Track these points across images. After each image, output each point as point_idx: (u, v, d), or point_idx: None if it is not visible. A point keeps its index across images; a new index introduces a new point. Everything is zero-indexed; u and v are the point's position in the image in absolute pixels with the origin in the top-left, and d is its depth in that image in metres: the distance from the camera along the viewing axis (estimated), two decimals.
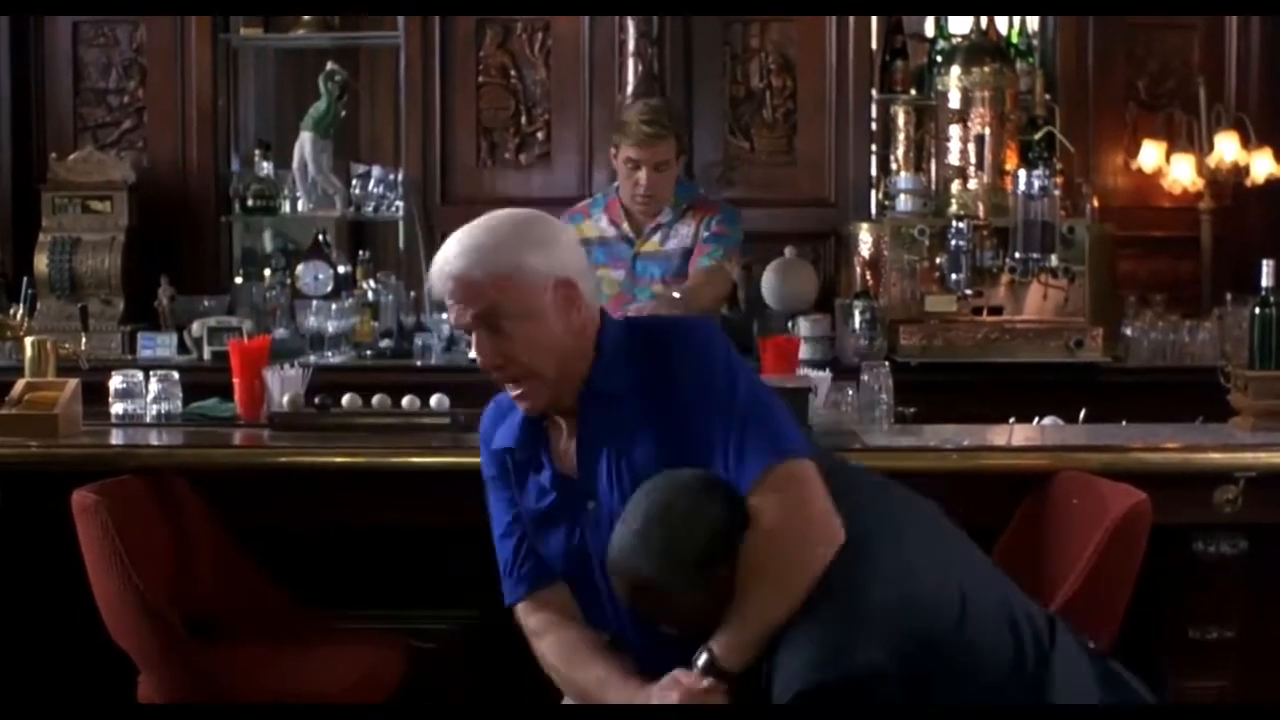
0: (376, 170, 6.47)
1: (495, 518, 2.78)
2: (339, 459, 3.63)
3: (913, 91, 6.27)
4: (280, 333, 5.80)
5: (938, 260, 5.68)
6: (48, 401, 3.77)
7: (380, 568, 3.71)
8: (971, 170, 5.78)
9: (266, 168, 6.45)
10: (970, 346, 5.58)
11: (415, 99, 6.36)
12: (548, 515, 2.68)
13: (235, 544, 3.47)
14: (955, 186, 5.81)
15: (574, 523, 2.64)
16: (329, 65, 6.32)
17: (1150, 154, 6.20)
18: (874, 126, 6.33)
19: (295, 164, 6.34)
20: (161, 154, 6.41)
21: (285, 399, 3.93)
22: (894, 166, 6.17)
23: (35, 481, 3.54)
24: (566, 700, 2.73)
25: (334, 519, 3.60)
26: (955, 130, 5.81)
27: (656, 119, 4.63)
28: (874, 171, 6.33)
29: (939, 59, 6.11)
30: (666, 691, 2.47)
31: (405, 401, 3.95)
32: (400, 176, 6.38)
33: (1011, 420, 4.01)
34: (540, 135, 6.35)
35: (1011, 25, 6.32)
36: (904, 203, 5.91)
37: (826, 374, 3.91)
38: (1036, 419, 4.08)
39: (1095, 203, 5.95)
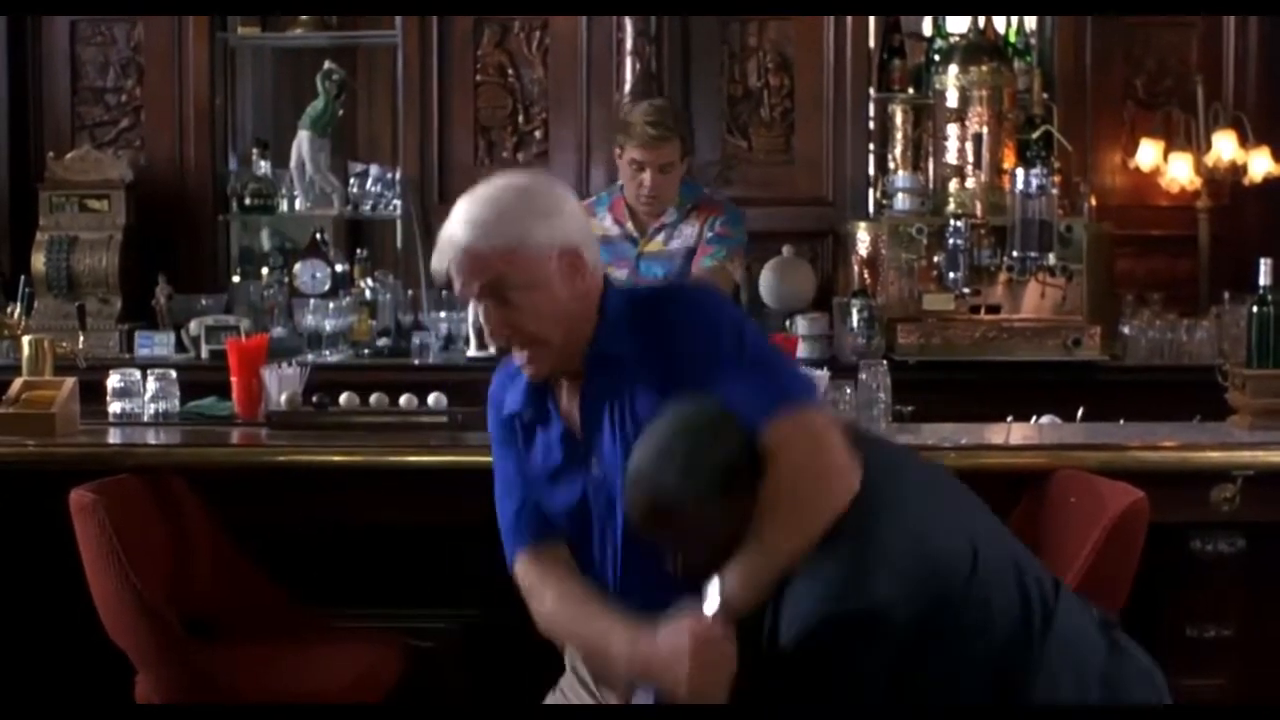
0: (374, 169, 6.47)
1: (499, 477, 2.76)
2: (337, 458, 3.63)
3: (910, 90, 6.27)
4: (278, 331, 5.80)
5: (935, 259, 5.68)
6: (45, 400, 3.77)
7: (378, 566, 3.71)
8: (969, 169, 5.78)
9: (264, 166, 6.45)
10: (968, 345, 5.58)
11: (413, 98, 6.36)
12: (553, 473, 2.67)
13: (233, 543, 3.47)
14: (953, 185, 5.81)
15: (577, 482, 2.64)
16: (326, 64, 6.32)
17: (1148, 153, 6.20)
18: (872, 125, 6.32)
19: (293, 163, 6.34)
20: (159, 153, 6.40)
21: (283, 398, 3.93)
22: (892, 165, 6.17)
23: (33, 480, 3.54)
24: (567, 652, 2.73)
25: (332, 518, 3.60)
26: (953, 129, 5.80)
27: (662, 120, 4.61)
28: (872, 170, 6.32)
29: (937, 58, 6.11)
30: (675, 636, 2.44)
31: (403, 400, 3.95)
32: (398, 175, 6.38)
33: (1009, 419, 4.02)
34: (538, 134, 6.35)
35: (1009, 24, 6.31)
36: (902, 201, 5.91)
37: (824, 373, 3.91)
38: (1034, 417, 4.08)
39: (1093, 201, 5.95)
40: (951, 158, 5.81)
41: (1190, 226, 6.19)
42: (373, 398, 3.95)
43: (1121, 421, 4.00)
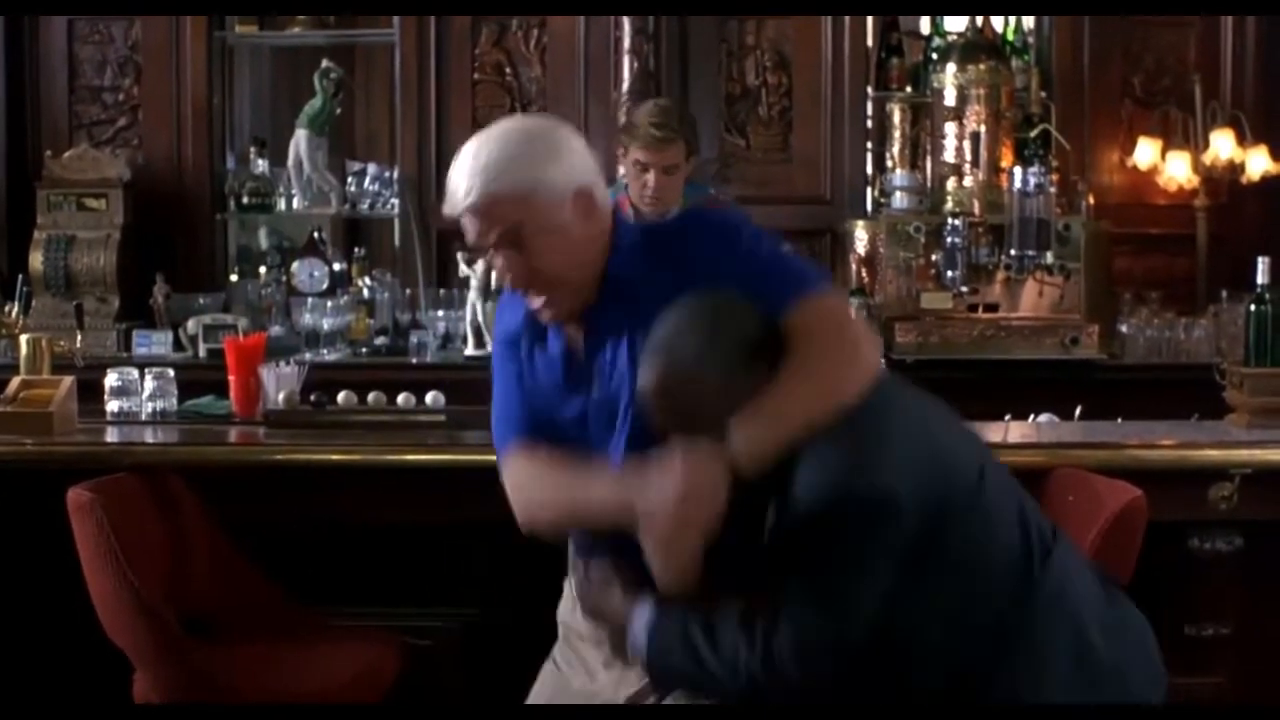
0: (372, 168, 6.47)
1: (497, 390, 2.71)
2: (334, 456, 3.63)
3: (908, 89, 6.27)
4: (275, 330, 5.80)
5: (933, 257, 5.68)
6: (43, 399, 3.77)
7: (376, 565, 3.71)
8: (967, 167, 5.78)
9: (262, 165, 6.45)
10: (966, 344, 5.59)
11: (410, 96, 6.36)
12: (553, 391, 2.63)
13: (231, 541, 3.47)
14: (951, 184, 5.81)
15: (577, 401, 2.60)
16: (324, 63, 6.32)
17: (1146, 151, 6.20)
18: (869, 124, 6.33)
19: (290, 161, 6.34)
20: (157, 151, 6.41)
21: (280, 396, 3.93)
22: (889, 164, 6.17)
23: (30, 479, 3.54)
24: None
25: (329, 516, 3.60)
26: (951, 127, 5.81)
27: (666, 122, 4.57)
28: (869, 169, 6.33)
29: (934, 56, 6.11)
30: (669, 461, 2.38)
31: (400, 399, 3.95)
32: (395, 174, 6.37)
33: (1007, 417, 4.01)
34: None
35: (1007, 23, 6.31)
36: (899, 200, 5.91)
37: None
38: (1032, 416, 4.08)
39: (1091, 200, 5.95)
40: (949, 156, 5.81)
41: (1188, 225, 6.19)
42: (370, 396, 3.95)
43: (1119, 420, 4.00)
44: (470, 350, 5.65)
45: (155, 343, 5.90)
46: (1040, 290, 5.64)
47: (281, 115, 6.85)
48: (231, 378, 4.05)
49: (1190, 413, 3.95)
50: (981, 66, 5.81)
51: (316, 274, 6.08)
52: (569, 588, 2.74)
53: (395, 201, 6.36)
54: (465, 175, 2.55)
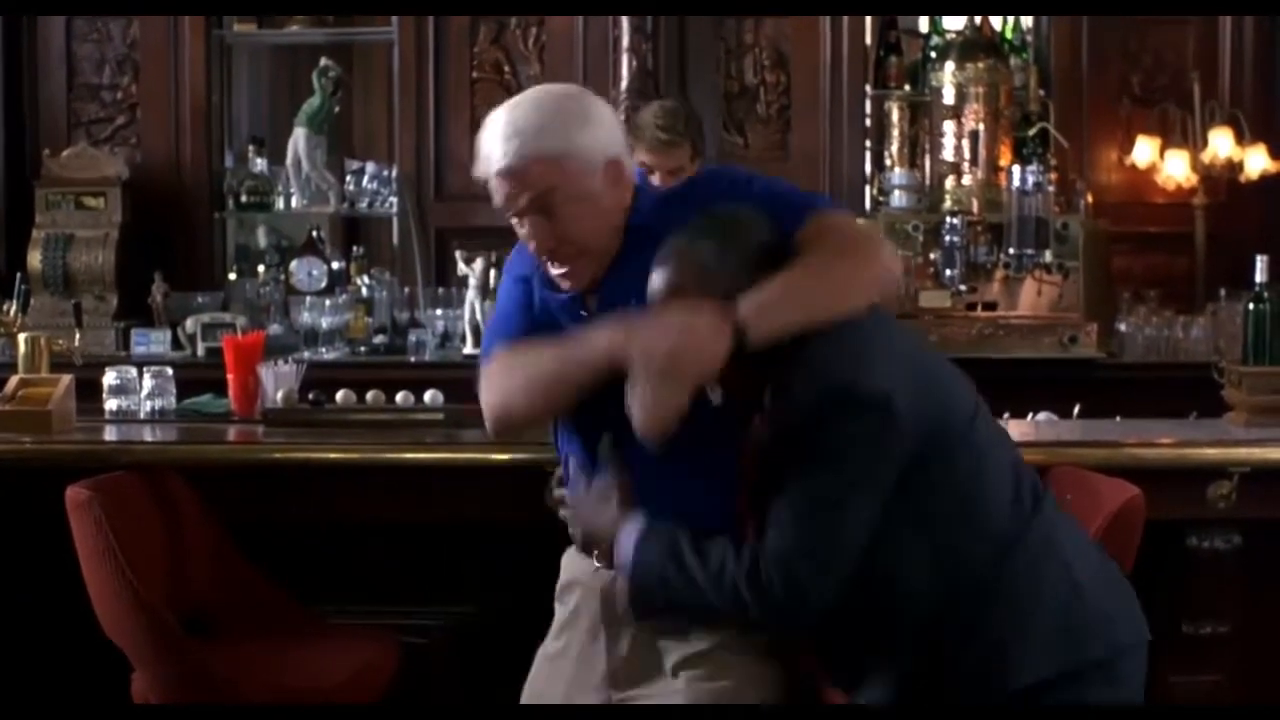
0: (370, 166, 6.46)
1: (499, 306, 2.71)
2: (333, 455, 3.63)
3: (907, 87, 6.27)
4: (274, 329, 5.80)
5: (932, 256, 5.68)
6: (41, 398, 3.77)
7: (374, 564, 3.71)
8: (966, 166, 5.79)
9: (260, 164, 6.45)
10: (964, 342, 5.58)
11: (409, 95, 6.36)
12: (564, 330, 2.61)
13: (229, 540, 3.47)
14: (949, 182, 5.81)
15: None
16: (323, 61, 6.32)
17: (1144, 150, 6.20)
18: (868, 122, 6.32)
19: (289, 160, 6.34)
20: (155, 150, 6.40)
21: (279, 395, 3.93)
22: (888, 162, 6.17)
23: (29, 478, 3.53)
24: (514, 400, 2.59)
25: (328, 515, 3.60)
26: (949, 126, 5.81)
27: (673, 125, 4.54)
28: (868, 167, 6.32)
29: (933, 55, 6.11)
30: (667, 316, 2.38)
31: (399, 398, 3.95)
32: (394, 172, 6.37)
33: (1006, 416, 4.00)
34: None
35: (1005, 21, 6.31)
36: (898, 199, 5.91)
37: None
38: (1031, 415, 4.08)
39: (1089, 199, 5.95)
40: (948, 155, 5.82)
41: (1186, 223, 6.19)
42: (369, 395, 3.95)
43: (1118, 419, 4.00)
44: (469, 349, 5.64)
45: (154, 341, 5.90)
46: (1039, 289, 5.64)
47: (280, 114, 6.85)
48: (230, 376, 4.04)
49: (1189, 411, 3.95)
50: (980, 65, 5.81)
51: (315, 273, 6.08)
52: (565, 557, 2.75)
53: (394, 200, 6.36)
54: (500, 138, 2.54)
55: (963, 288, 5.63)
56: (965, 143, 5.77)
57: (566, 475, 2.66)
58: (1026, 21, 6.40)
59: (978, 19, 6.05)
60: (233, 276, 6.50)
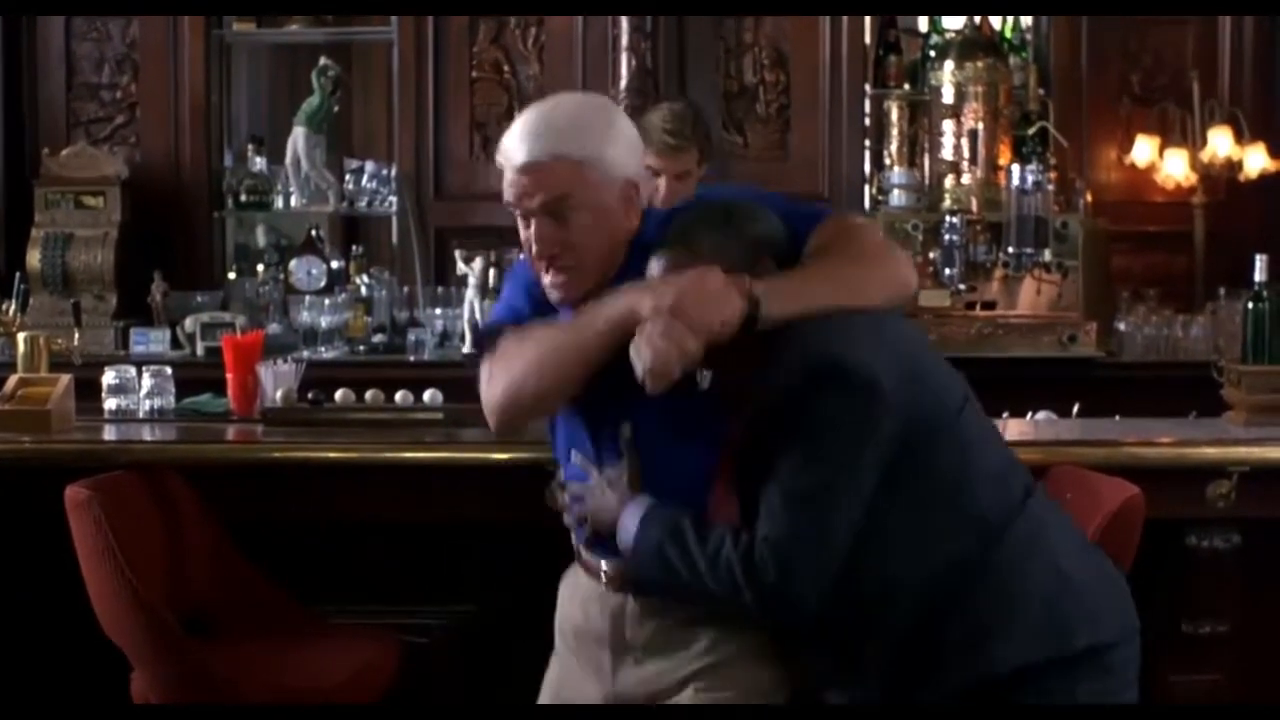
0: (370, 165, 6.46)
1: (503, 296, 2.71)
2: (332, 454, 3.63)
3: (906, 86, 6.27)
4: (273, 328, 5.80)
5: (931, 255, 5.68)
6: (40, 397, 3.77)
7: (374, 563, 3.70)
8: (965, 165, 5.79)
9: (259, 163, 6.45)
10: (964, 341, 5.58)
11: (408, 94, 6.36)
12: None
13: (229, 539, 3.47)
14: (949, 181, 5.81)
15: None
16: (322, 60, 6.32)
17: (1143, 149, 6.20)
18: (867, 121, 6.32)
19: (288, 159, 6.34)
20: (154, 149, 6.40)
21: (278, 394, 3.93)
22: (887, 161, 6.17)
23: (28, 477, 3.53)
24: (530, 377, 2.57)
25: (327, 514, 3.59)
26: (949, 125, 5.81)
27: (680, 130, 4.50)
28: (867, 166, 6.32)
29: (932, 54, 6.11)
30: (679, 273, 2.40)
31: (398, 397, 3.95)
32: (393, 171, 6.37)
33: (1005, 415, 4.01)
34: None
35: (1005, 20, 6.31)
36: (897, 198, 5.91)
37: None
38: (1030, 414, 4.08)
39: (1089, 198, 5.95)
40: (947, 154, 5.82)
41: (1186, 222, 6.19)
42: (368, 394, 3.95)
43: (1117, 418, 4.00)
44: (468, 348, 5.64)
45: (153, 341, 5.89)
46: (1038, 288, 5.64)
47: (279, 113, 6.84)
48: (229, 376, 4.04)
49: (1188, 410, 3.95)
50: (979, 64, 5.81)
51: (314, 272, 6.08)
52: (564, 587, 2.75)
53: (393, 199, 6.36)
54: (529, 133, 2.53)
55: (962, 287, 5.64)
56: (964, 142, 5.77)
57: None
58: (1026, 21, 6.40)
59: (977, 19, 6.05)
60: (232, 276, 6.50)
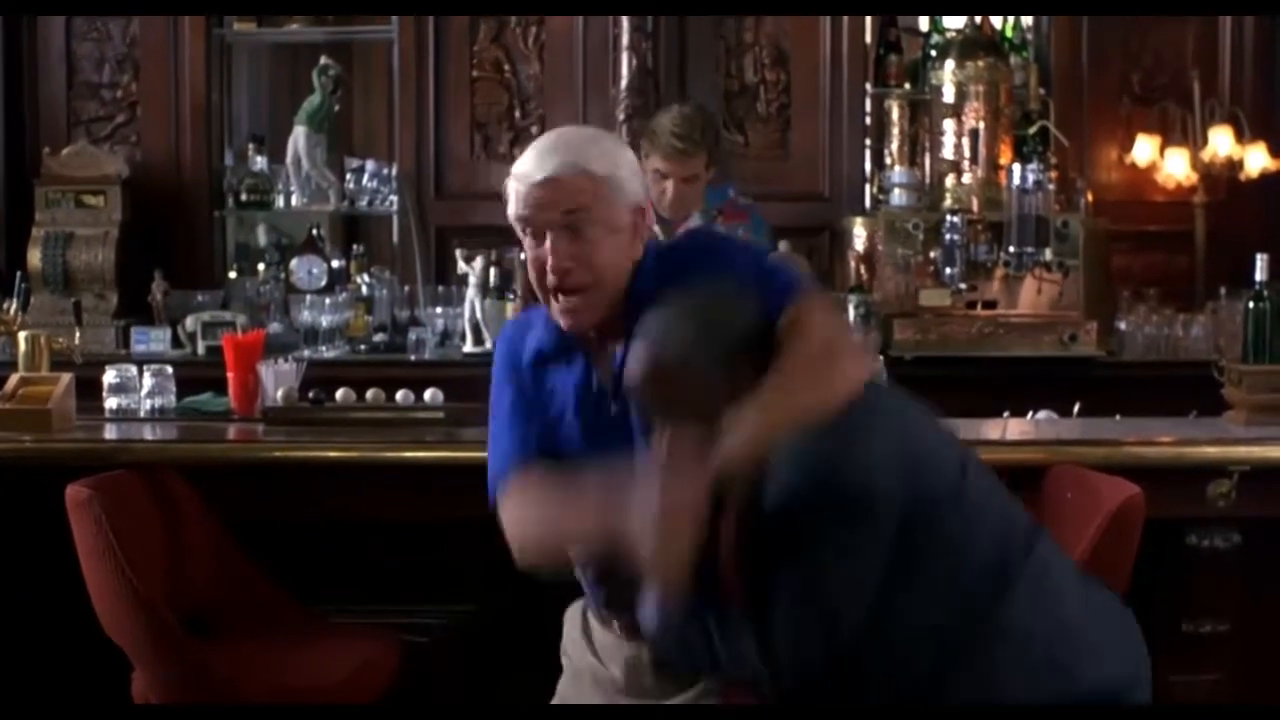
0: (370, 164, 6.46)
1: (497, 413, 2.71)
2: (333, 454, 3.63)
3: (907, 85, 6.26)
4: (274, 327, 5.80)
5: (932, 254, 5.68)
6: (41, 396, 3.77)
7: (374, 562, 3.71)
8: (965, 164, 5.78)
9: (260, 162, 6.45)
10: (964, 341, 5.59)
11: (409, 93, 6.36)
12: (565, 412, 2.63)
13: (229, 539, 3.47)
14: (949, 181, 5.81)
15: (589, 419, 2.61)
16: (322, 60, 6.32)
17: (1144, 148, 6.20)
18: (868, 121, 6.32)
19: (289, 158, 6.34)
20: (155, 148, 6.40)
21: (279, 393, 3.93)
22: (888, 161, 6.16)
23: (29, 476, 3.53)
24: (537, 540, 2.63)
25: (328, 513, 3.60)
26: (949, 124, 5.81)
27: (689, 134, 4.48)
28: (868, 166, 6.32)
29: (933, 53, 6.11)
30: (649, 491, 2.40)
31: (399, 396, 3.95)
32: (394, 170, 6.37)
33: (1006, 414, 4.02)
34: (534, 129, 6.34)
35: (1006, 19, 6.31)
36: (898, 197, 5.91)
37: None
38: (1031, 413, 4.08)
39: (1089, 197, 5.95)
40: (948, 153, 5.81)
41: (1186, 222, 6.19)
42: (369, 393, 3.95)
43: (1118, 417, 4.00)
44: (469, 347, 5.65)
45: (154, 340, 5.89)
46: (1039, 287, 5.64)
47: (280, 112, 6.84)
48: (230, 375, 4.05)
49: (1189, 410, 3.95)
50: (980, 63, 5.81)
51: (315, 271, 6.08)
52: (572, 625, 2.77)
53: (394, 198, 6.36)
54: (546, 151, 2.56)
55: (963, 286, 5.63)
56: (965, 141, 5.77)
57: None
58: (1027, 20, 6.40)
59: (978, 18, 6.05)
60: (233, 275, 6.50)
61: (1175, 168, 6.16)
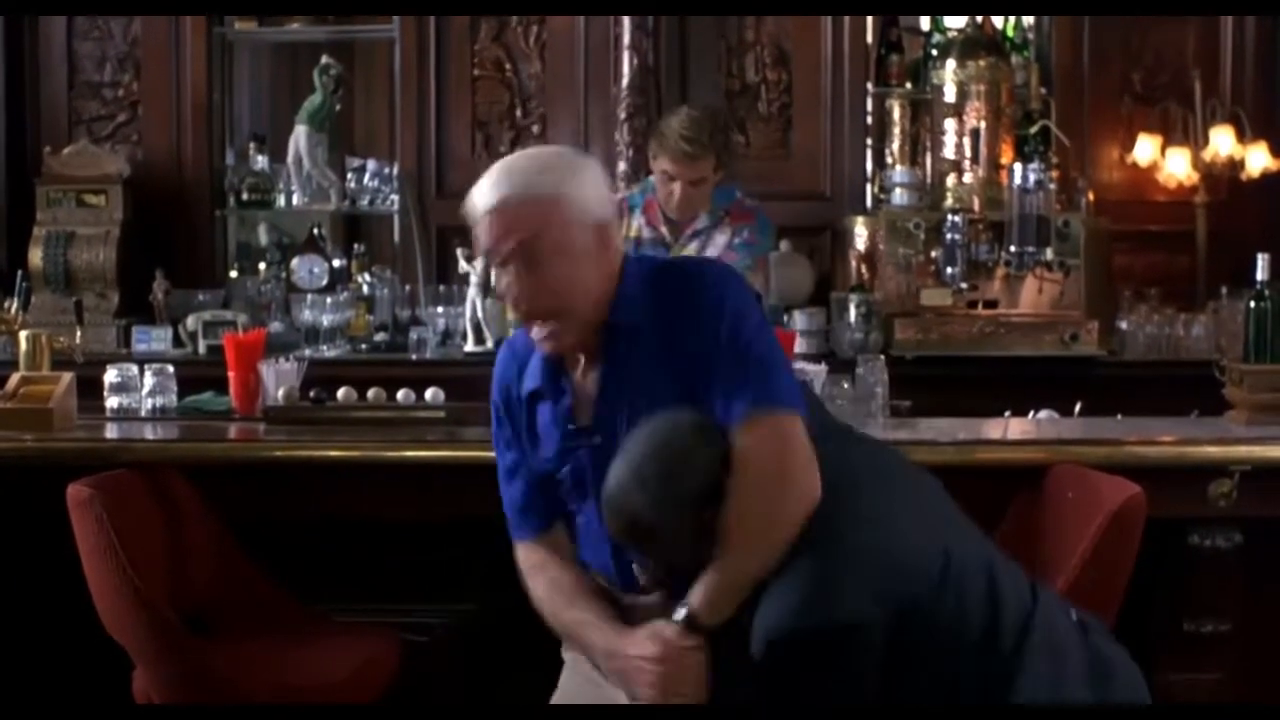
0: (371, 163, 6.46)
1: (503, 456, 2.75)
2: (334, 453, 3.63)
3: (908, 85, 6.27)
4: (275, 326, 5.80)
5: (933, 254, 5.68)
6: (42, 395, 3.77)
7: (375, 561, 3.71)
8: (967, 164, 5.78)
9: (261, 161, 6.45)
10: (965, 340, 5.59)
11: (410, 92, 6.36)
12: (556, 443, 2.65)
13: (230, 538, 3.47)
14: (950, 180, 5.80)
15: (580, 451, 2.63)
16: (324, 59, 6.31)
17: (1145, 148, 6.20)
18: (869, 120, 6.32)
19: (290, 157, 6.34)
20: (156, 147, 6.41)
21: (280, 393, 3.93)
22: (889, 160, 6.16)
23: (30, 475, 3.53)
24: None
25: (329, 513, 3.60)
26: (950, 124, 5.81)
27: (697, 137, 4.47)
28: (869, 165, 6.32)
29: (934, 53, 6.11)
30: (645, 643, 2.50)
31: (400, 395, 3.95)
32: (395, 170, 6.37)
33: (1007, 414, 4.02)
34: (535, 129, 6.35)
35: (1007, 19, 6.31)
36: (899, 196, 5.90)
37: (822, 367, 3.91)
38: (1032, 412, 4.08)
39: (1090, 196, 5.95)
40: (949, 153, 5.81)
41: (1188, 221, 6.19)
42: (370, 393, 3.95)
43: (1119, 416, 4.00)
44: (470, 346, 5.65)
45: (155, 339, 5.90)
46: (1040, 287, 5.63)
47: (281, 111, 6.84)
48: (231, 374, 4.05)
49: (1190, 409, 3.95)
50: (981, 63, 5.80)
51: (316, 270, 6.09)
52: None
53: (395, 198, 6.36)
54: (493, 180, 2.57)
55: (964, 285, 5.63)
56: (966, 140, 5.76)
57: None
58: (1028, 20, 6.40)
59: (979, 17, 6.04)
60: (234, 274, 6.50)
61: (1176, 167, 6.16)
